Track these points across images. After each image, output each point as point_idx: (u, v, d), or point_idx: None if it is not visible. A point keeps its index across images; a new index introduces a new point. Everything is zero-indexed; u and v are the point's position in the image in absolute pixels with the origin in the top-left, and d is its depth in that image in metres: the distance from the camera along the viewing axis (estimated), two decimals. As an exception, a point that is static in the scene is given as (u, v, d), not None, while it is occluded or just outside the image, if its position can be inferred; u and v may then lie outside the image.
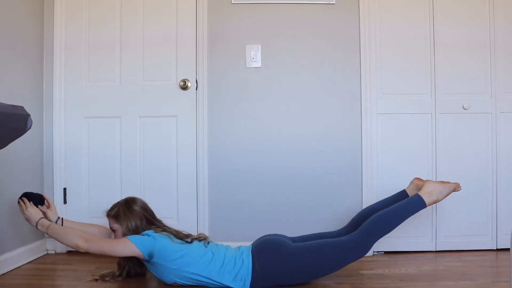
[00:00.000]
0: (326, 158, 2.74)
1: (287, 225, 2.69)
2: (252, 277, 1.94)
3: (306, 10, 2.75)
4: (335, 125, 2.74)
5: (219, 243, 2.18)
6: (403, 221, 2.05)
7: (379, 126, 2.73)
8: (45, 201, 2.22)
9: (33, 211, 2.05)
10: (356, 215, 2.31)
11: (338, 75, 2.75)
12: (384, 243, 2.57)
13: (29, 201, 2.10)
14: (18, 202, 2.10)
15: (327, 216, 2.72)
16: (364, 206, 2.70)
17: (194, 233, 2.27)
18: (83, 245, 1.90)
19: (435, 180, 2.12)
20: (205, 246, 2.05)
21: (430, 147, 2.73)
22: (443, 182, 2.17)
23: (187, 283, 1.99)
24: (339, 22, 2.75)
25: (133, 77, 2.77)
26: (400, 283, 2.05)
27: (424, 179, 2.27)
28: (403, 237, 2.68)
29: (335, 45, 2.75)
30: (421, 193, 2.07)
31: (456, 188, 2.13)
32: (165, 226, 2.14)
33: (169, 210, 2.73)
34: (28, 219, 2.04)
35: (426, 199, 2.05)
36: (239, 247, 2.10)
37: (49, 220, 2.15)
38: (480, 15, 2.73)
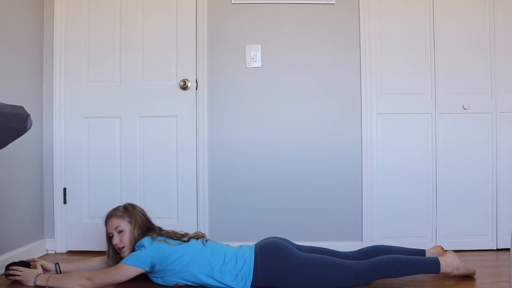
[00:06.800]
0: (326, 158, 2.73)
1: (286, 226, 2.69)
2: (253, 276, 1.94)
3: (306, 10, 2.75)
4: (335, 125, 2.74)
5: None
6: (412, 274, 2.04)
7: (379, 126, 2.73)
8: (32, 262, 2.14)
9: (28, 271, 2.01)
10: (368, 247, 2.28)
11: (338, 75, 2.75)
12: (385, 244, 2.56)
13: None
14: (8, 275, 2.04)
15: (326, 216, 2.72)
16: (364, 206, 2.71)
17: (193, 233, 2.26)
18: (87, 283, 1.88)
19: (457, 257, 2.10)
20: (203, 244, 2.05)
21: (430, 147, 2.73)
22: (464, 262, 2.13)
23: (189, 283, 1.99)
24: (339, 22, 2.75)
25: (133, 77, 2.77)
26: (400, 283, 2.04)
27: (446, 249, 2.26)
28: (403, 237, 2.68)
29: (335, 45, 2.75)
30: (441, 259, 2.06)
31: (472, 274, 2.12)
32: (161, 229, 2.14)
33: (169, 210, 2.74)
34: (26, 281, 1.98)
35: (442, 267, 2.04)
36: (241, 246, 2.09)
37: (48, 270, 2.13)
38: (480, 15, 2.73)
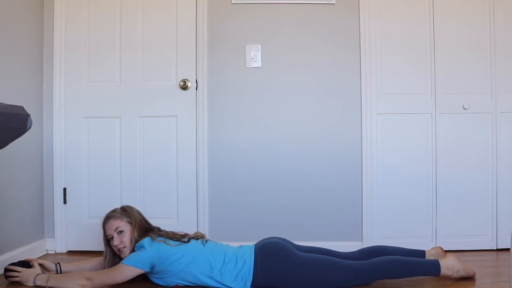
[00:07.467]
0: (326, 158, 2.73)
1: (286, 226, 2.69)
2: (253, 276, 1.94)
3: (306, 10, 2.75)
4: (335, 125, 2.74)
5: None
6: (412, 276, 2.04)
7: (379, 126, 2.73)
8: (32, 262, 2.12)
9: (27, 272, 2.00)
10: (368, 247, 2.28)
11: (338, 75, 2.75)
12: (385, 244, 2.56)
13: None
14: (8, 276, 2.03)
15: (326, 216, 2.72)
16: (364, 206, 2.71)
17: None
18: (87, 284, 1.88)
19: (457, 259, 2.10)
20: (203, 244, 2.05)
21: (430, 147, 2.73)
22: (465, 264, 2.13)
23: (189, 284, 1.99)
24: (339, 22, 2.75)
25: (133, 77, 2.77)
26: (400, 283, 2.04)
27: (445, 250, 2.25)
28: (403, 237, 2.68)
29: (335, 45, 2.75)
30: (441, 262, 2.06)
31: (472, 276, 2.12)
32: (160, 229, 2.14)
33: (169, 211, 2.74)
34: (26, 281, 1.98)
35: (443, 270, 2.04)
36: (241, 246, 2.09)
37: (49, 269, 2.13)
38: (480, 15, 2.73)
